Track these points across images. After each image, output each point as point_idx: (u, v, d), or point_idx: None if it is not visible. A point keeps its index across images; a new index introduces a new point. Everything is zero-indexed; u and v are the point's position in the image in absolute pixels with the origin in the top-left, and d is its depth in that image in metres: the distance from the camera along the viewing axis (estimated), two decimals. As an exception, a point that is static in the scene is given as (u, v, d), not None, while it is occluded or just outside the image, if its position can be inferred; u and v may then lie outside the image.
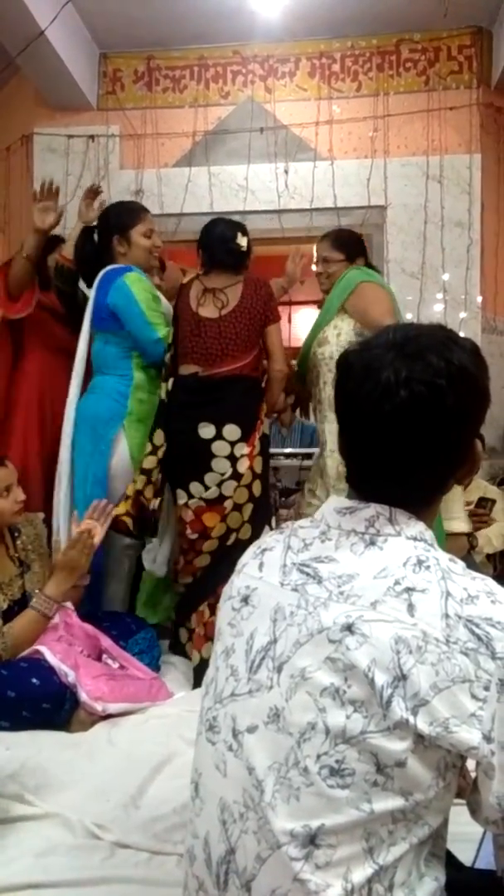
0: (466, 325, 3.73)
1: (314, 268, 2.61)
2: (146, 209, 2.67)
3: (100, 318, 2.51)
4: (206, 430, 2.35)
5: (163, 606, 2.60)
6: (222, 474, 2.34)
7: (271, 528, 2.42)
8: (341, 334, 2.45)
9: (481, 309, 3.81)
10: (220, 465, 2.34)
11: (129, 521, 2.38)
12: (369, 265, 2.62)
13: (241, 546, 2.27)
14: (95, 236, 2.63)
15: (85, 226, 2.74)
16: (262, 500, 2.41)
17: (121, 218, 2.59)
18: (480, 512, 2.44)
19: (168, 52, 4.04)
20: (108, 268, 2.53)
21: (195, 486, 2.35)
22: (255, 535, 2.36)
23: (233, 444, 2.35)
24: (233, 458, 2.35)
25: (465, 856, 1.07)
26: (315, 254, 2.60)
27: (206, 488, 2.34)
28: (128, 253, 2.56)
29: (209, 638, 2.31)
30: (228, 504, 2.35)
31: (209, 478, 2.34)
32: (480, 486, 2.84)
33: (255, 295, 2.45)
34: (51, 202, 2.56)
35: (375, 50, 3.92)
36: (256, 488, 2.39)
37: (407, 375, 0.81)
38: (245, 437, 2.37)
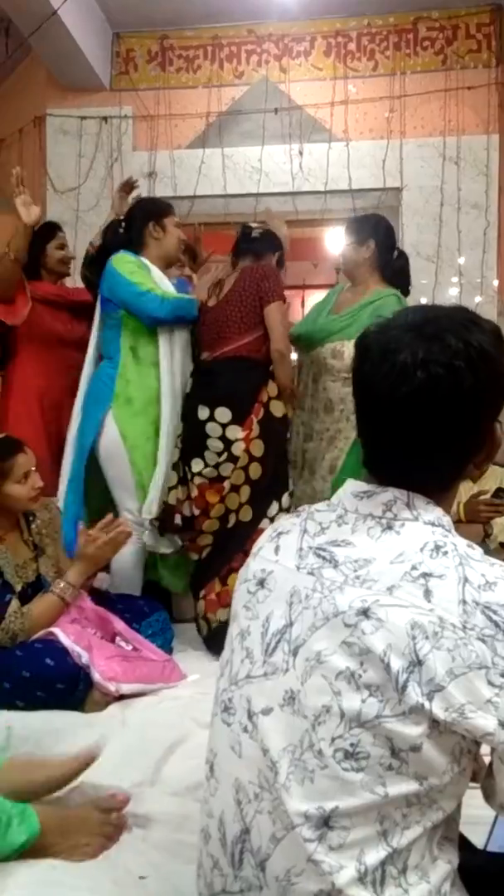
0: (482, 308, 3.68)
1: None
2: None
3: (102, 304, 2.61)
4: (202, 412, 2.44)
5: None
6: (218, 454, 2.41)
7: (282, 510, 2.46)
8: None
9: (497, 293, 3.77)
10: (215, 446, 2.42)
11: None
12: (390, 248, 2.64)
13: (244, 528, 2.39)
14: (121, 229, 2.67)
15: (114, 218, 2.78)
16: (262, 483, 2.44)
17: (156, 205, 2.69)
18: (497, 502, 2.41)
19: (182, 32, 3.99)
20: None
21: (197, 463, 2.44)
22: (258, 517, 2.42)
23: (224, 426, 2.41)
24: (226, 440, 2.41)
25: (477, 839, 1.07)
26: None
27: (206, 465, 2.43)
28: (162, 239, 2.61)
29: (223, 605, 2.38)
30: (227, 485, 2.41)
31: (207, 456, 2.43)
32: (497, 473, 2.80)
33: (248, 278, 2.50)
34: (28, 195, 2.59)
35: (392, 28, 3.86)
36: (254, 471, 2.42)
37: (424, 357, 0.80)
38: (238, 420, 2.41)
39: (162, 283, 2.57)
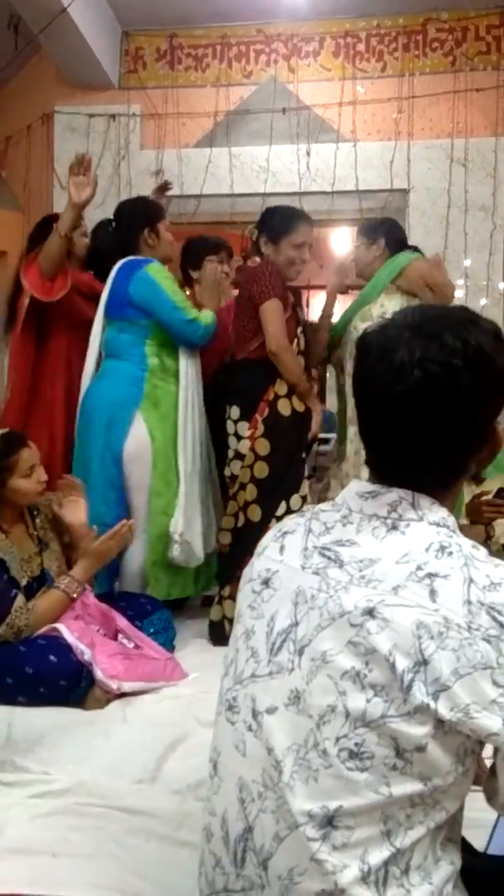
0: (488, 311, 3.68)
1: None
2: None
3: (116, 307, 2.54)
4: (225, 412, 2.53)
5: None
6: (233, 450, 2.50)
7: (290, 511, 2.46)
8: (387, 312, 2.49)
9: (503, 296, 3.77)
10: (231, 443, 2.51)
11: None
12: (402, 245, 2.73)
13: (254, 528, 2.39)
14: (111, 229, 2.67)
15: (103, 219, 2.76)
16: (268, 482, 2.45)
17: (149, 209, 2.67)
18: (499, 503, 2.40)
19: (191, 31, 3.99)
20: (127, 258, 2.55)
21: (225, 464, 2.56)
22: (266, 517, 2.42)
23: (235, 422, 2.49)
24: (238, 437, 2.49)
25: (477, 842, 1.07)
26: None
27: (227, 465, 2.54)
28: (157, 246, 2.61)
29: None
30: (236, 483, 2.48)
31: (229, 454, 2.53)
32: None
33: (245, 281, 2.55)
34: (85, 177, 2.56)
35: (401, 29, 3.85)
36: (259, 470, 2.44)
37: (421, 356, 0.80)
38: (245, 417, 2.47)
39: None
